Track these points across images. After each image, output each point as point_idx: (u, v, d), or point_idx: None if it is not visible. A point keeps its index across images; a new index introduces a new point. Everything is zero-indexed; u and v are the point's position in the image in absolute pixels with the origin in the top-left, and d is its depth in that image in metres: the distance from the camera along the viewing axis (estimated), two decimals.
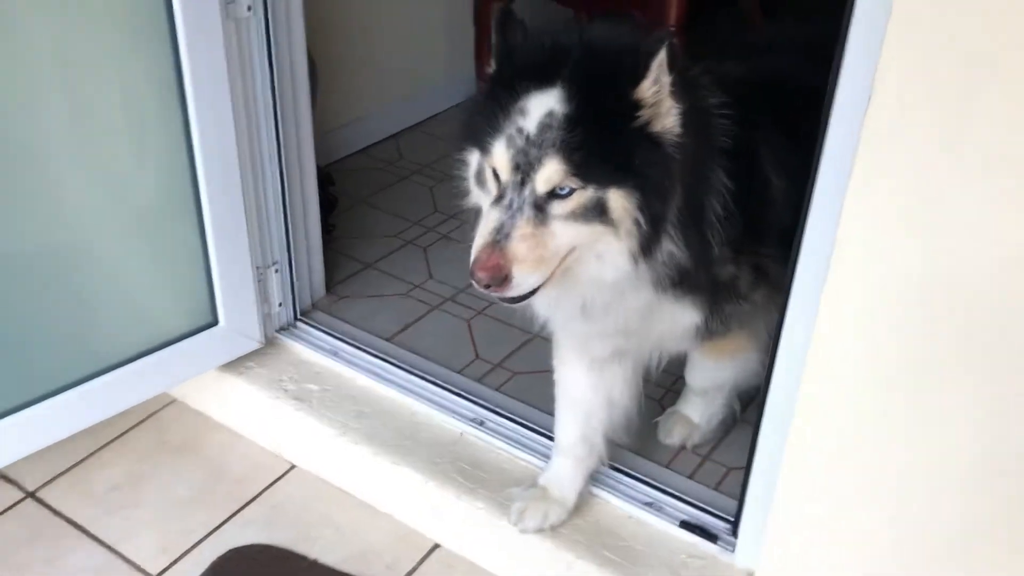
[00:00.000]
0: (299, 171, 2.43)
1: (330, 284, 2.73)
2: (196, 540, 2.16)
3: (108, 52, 1.98)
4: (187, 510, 2.23)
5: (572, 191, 1.48)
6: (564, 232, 1.49)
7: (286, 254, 2.43)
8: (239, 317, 2.32)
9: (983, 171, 1.19)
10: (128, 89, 2.03)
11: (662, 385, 2.41)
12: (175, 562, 2.11)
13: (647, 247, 1.54)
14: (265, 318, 2.41)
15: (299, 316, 2.53)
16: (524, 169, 1.48)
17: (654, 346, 1.94)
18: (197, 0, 1.96)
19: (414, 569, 2.11)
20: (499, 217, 1.49)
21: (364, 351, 2.43)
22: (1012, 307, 1.25)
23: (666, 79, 1.46)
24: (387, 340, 2.54)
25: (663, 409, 2.32)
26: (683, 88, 1.50)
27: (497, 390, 2.39)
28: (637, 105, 1.47)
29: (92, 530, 2.18)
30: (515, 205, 1.49)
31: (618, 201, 1.49)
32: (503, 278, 1.48)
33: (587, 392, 1.98)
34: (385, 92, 3.55)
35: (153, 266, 2.23)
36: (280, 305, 2.45)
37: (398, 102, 3.61)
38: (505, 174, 1.50)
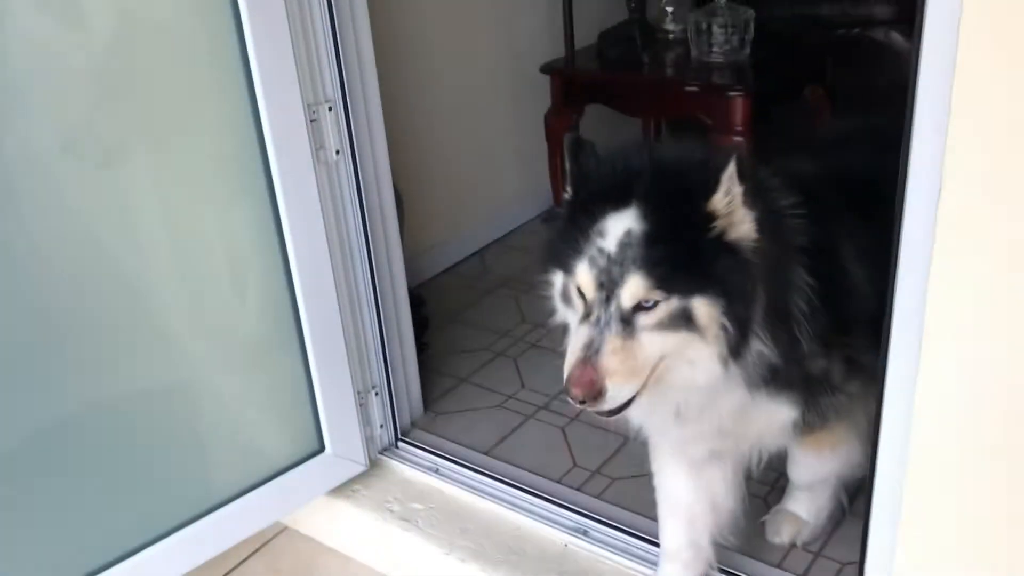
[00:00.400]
0: (392, 296, 2.53)
1: (427, 402, 2.80)
2: None
3: (211, 197, 2.13)
4: None
5: (657, 303, 1.52)
6: (652, 342, 1.53)
7: (384, 377, 2.51)
8: (343, 442, 2.39)
9: None
10: (231, 233, 2.17)
11: (766, 482, 2.38)
12: None
13: (736, 350, 1.57)
14: (368, 441, 2.48)
15: (400, 436, 2.59)
16: (608, 287, 1.53)
17: (752, 444, 1.94)
18: (290, 149, 2.11)
19: None
20: (588, 333, 1.54)
21: (464, 466, 2.47)
22: None
23: (737, 190, 1.51)
24: (485, 453, 2.58)
25: (768, 507, 2.29)
26: (755, 194, 1.56)
27: (597, 497, 2.40)
28: (711, 217, 1.52)
29: None
30: (603, 321, 1.53)
31: (703, 308, 1.53)
32: (597, 392, 1.51)
33: (688, 495, 1.98)
34: (468, 212, 3.68)
35: (260, 398, 2.33)
36: (381, 427, 2.53)
37: (480, 220, 3.73)
38: (590, 292, 1.55)
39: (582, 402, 1.53)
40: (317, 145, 2.18)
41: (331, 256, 2.26)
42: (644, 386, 1.57)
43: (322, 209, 2.21)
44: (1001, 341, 1.30)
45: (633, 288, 1.52)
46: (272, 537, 2.58)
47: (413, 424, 2.69)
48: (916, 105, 1.35)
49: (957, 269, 1.31)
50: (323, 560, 2.51)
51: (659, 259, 1.51)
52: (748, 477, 2.08)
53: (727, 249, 1.54)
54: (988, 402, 1.36)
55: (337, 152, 2.24)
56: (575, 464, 2.55)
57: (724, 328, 1.54)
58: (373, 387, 2.48)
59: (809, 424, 1.86)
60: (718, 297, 1.53)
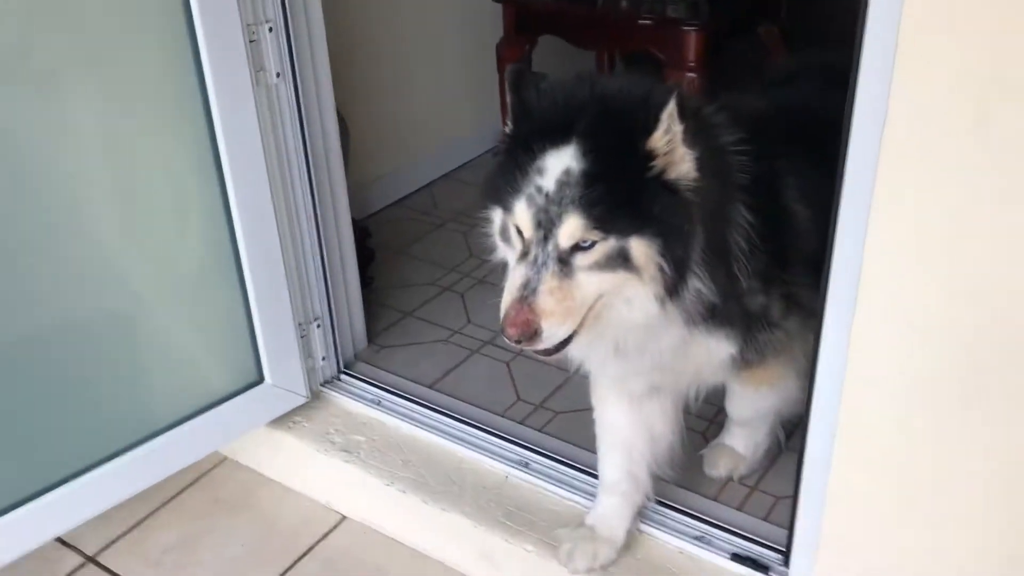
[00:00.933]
0: (335, 227, 2.48)
1: (371, 335, 2.78)
2: None
3: (147, 123, 2.06)
4: (242, 567, 2.27)
5: (594, 243, 1.51)
6: (589, 282, 1.53)
7: (327, 309, 2.48)
8: (284, 373, 2.36)
9: (1004, 190, 1.20)
10: (169, 159, 2.11)
11: (705, 417, 2.41)
12: None
13: (673, 289, 1.56)
14: (309, 372, 2.45)
15: (343, 369, 2.57)
16: (546, 226, 1.52)
17: (691, 379, 1.95)
18: (228, 71, 2.04)
19: None
20: (525, 273, 1.53)
21: (407, 399, 2.46)
22: None
23: (678, 128, 1.49)
24: (429, 387, 2.58)
25: (707, 442, 2.32)
26: (697, 132, 1.53)
27: (540, 431, 2.41)
28: (651, 155, 1.50)
29: None
30: (540, 260, 1.52)
31: (640, 248, 1.52)
32: (533, 333, 1.51)
33: (627, 428, 1.99)
34: (417, 144, 3.62)
35: (199, 328, 2.29)
36: (324, 359, 2.50)
37: (429, 153, 3.68)
38: (528, 232, 1.54)
39: (518, 342, 1.53)
40: (256, 67, 2.10)
41: (271, 184, 2.20)
42: (582, 325, 1.56)
43: (261, 135, 2.14)
44: (937, 276, 1.30)
45: (571, 228, 1.50)
46: (212, 468, 2.56)
47: (356, 357, 2.67)
48: (864, 40, 1.33)
49: (897, 205, 1.31)
50: (263, 491, 2.49)
51: (597, 199, 1.49)
52: (687, 412, 2.10)
53: (666, 188, 1.52)
54: (924, 340, 1.37)
55: (277, 75, 2.16)
56: (519, 398, 2.56)
57: (661, 268, 1.54)
58: (315, 319, 2.45)
59: (748, 360, 1.87)
60: (655, 237, 1.52)
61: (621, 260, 1.52)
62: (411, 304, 2.98)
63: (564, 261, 1.52)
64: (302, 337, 2.39)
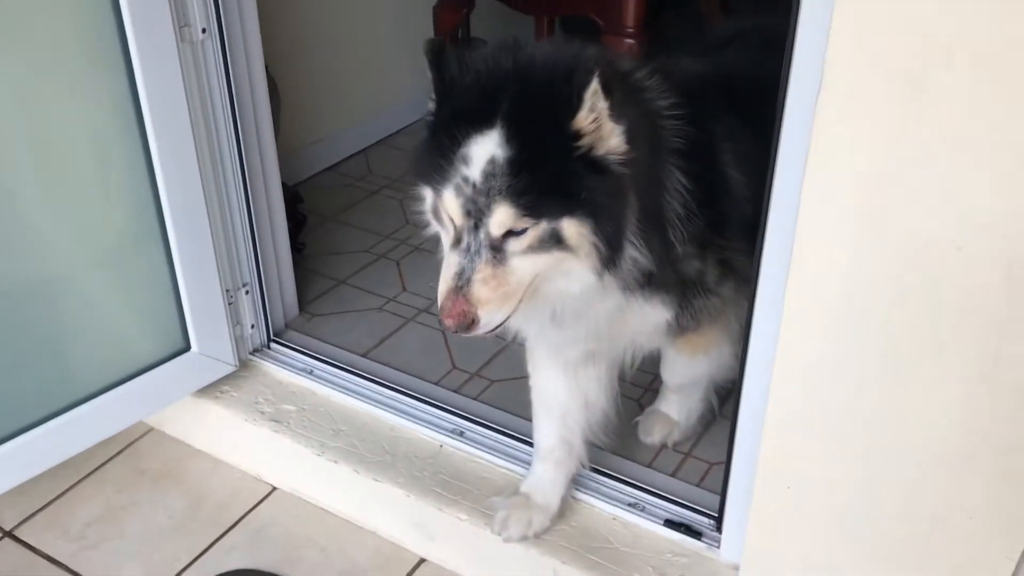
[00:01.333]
0: (265, 191, 2.41)
1: (303, 303, 2.72)
2: (180, 569, 2.14)
3: (63, 84, 1.96)
4: (169, 539, 2.21)
5: (526, 229, 1.49)
6: (523, 266, 1.52)
7: (256, 275, 2.42)
8: (211, 341, 2.30)
9: (936, 151, 1.20)
10: (87, 121, 2.02)
11: (640, 385, 2.41)
12: None
13: (609, 261, 1.55)
14: (238, 341, 2.39)
15: (273, 337, 2.51)
16: (475, 215, 1.49)
17: (627, 345, 1.94)
18: (150, 26, 1.95)
19: None
20: (459, 262, 1.51)
21: (339, 368, 2.41)
22: (974, 285, 1.25)
23: (603, 105, 1.45)
24: (362, 356, 2.53)
25: (642, 409, 2.32)
26: (625, 103, 1.50)
27: (475, 399, 2.39)
28: (577, 136, 1.47)
29: (73, 566, 2.15)
30: (472, 248, 1.51)
31: (572, 229, 1.50)
32: (470, 322, 1.51)
33: (562, 395, 1.98)
34: (351, 109, 3.54)
35: (122, 295, 2.21)
36: (253, 327, 2.44)
37: (364, 118, 3.60)
38: (458, 220, 1.51)
39: (456, 331, 1.52)
40: (181, 22, 2.02)
41: (197, 146, 2.13)
42: (519, 303, 1.55)
43: (186, 94, 2.07)
44: (867, 237, 1.30)
45: (501, 218, 1.48)
46: (137, 438, 2.49)
47: (287, 325, 2.61)
48: (801, 3, 1.32)
49: (831, 171, 1.30)
50: (191, 462, 2.43)
51: (525, 187, 1.47)
52: (622, 379, 2.10)
53: (594, 167, 1.49)
54: (855, 306, 1.37)
55: (203, 31, 2.08)
56: (454, 367, 2.53)
57: (595, 246, 1.52)
58: (243, 285, 2.38)
59: (683, 326, 1.86)
60: (587, 217, 1.50)
61: (554, 241, 1.51)
62: (344, 271, 2.92)
63: (497, 248, 1.50)
64: (230, 304, 2.33)
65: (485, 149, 1.47)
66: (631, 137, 1.51)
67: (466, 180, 1.48)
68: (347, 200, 3.32)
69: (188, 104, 2.08)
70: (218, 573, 2.11)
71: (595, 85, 1.43)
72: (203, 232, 2.20)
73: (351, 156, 3.59)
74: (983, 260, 1.23)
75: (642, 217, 1.57)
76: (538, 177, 1.47)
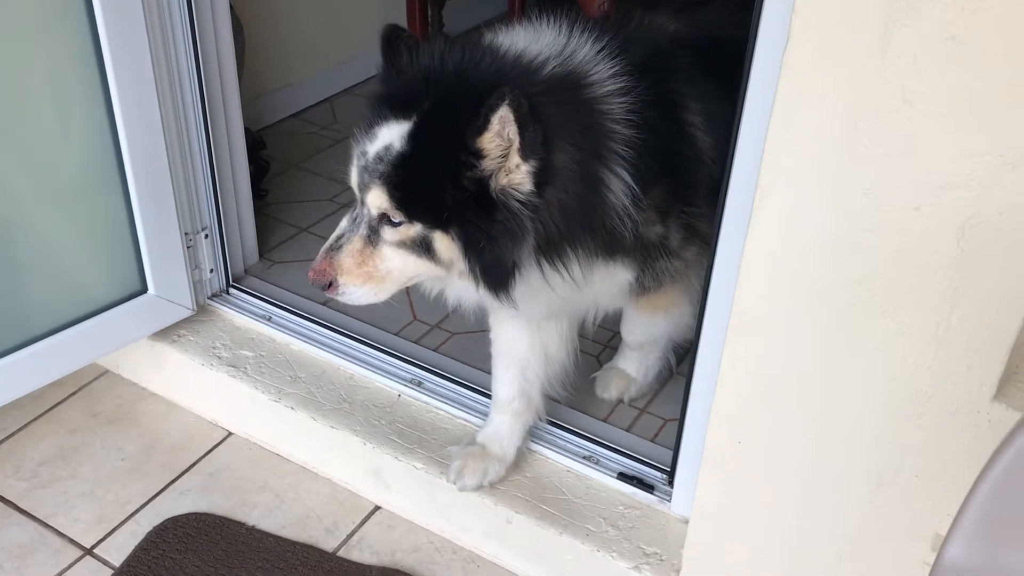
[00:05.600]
0: (227, 135, 2.38)
1: (263, 250, 2.69)
2: (131, 511, 2.13)
3: (21, 19, 1.91)
4: (121, 481, 2.20)
5: (402, 222, 1.54)
6: (395, 258, 1.57)
7: (216, 220, 2.38)
8: (168, 284, 2.27)
9: (900, 108, 1.20)
10: (45, 60, 1.97)
11: (599, 341, 2.42)
12: (110, 534, 2.08)
13: (495, 287, 1.55)
14: (196, 285, 2.37)
15: (232, 282, 2.49)
16: (361, 190, 1.57)
17: (589, 304, 1.94)
18: None
19: (354, 531, 2.11)
20: (344, 226, 1.61)
21: (298, 315, 2.40)
22: (929, 246, 1.27)
23: (514, 136, 1.42)
24: (322, 304, 2.51)
25: (601, 365, 2.34)
26: (564, 124, 1.50)
27: (435, 351, 2.39)
28: (479, 154, 1.45)
29: (23, 505, 2.14)
30: (358, 220, 1.59)
31: (443, 243, 1.53)
32: (327, 284, 1.59)
33: (523, 347, 1.98)
34: (318, 56, 3.49)
35: (80, 236, 2.17)
36: (211, 271, 2.41)
37: (330, 66, 3.55)
38: (355, 188, 1.59)
39: (314, 284, 1.60)
40: None
41: (157, 86, 2.09)
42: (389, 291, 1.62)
43: (148, 33, 2.02)
44: (825, 193, 1.31)
45: (374, 199, 1.54)
46: (92, 380, 2.47)
47: (247, 271, 2.59)
48: None
49: (793, 131, 1.30)
50: (145, 405, 2.42)
51: (404, 182, 1.51)
52: (582, 335, 2.11)
53: (485, 195, 1.48)
54: (809, 269, 1.38)
55: None
56: (415, 318, 2.53)
57: (470, 270, 1.54)
58: (203, 229, 2.35)
59: (645, 286, 1.87)
60: (457, 240, 1.51)
61: (425, 248, 1.54)
62: (306, 220, 2.90)
63: (375, 229, 1.57)
64: (188, 247, 2.30)
65: (389, 135, 1.52)
66: (545, 177, 1.48)
67: (364, 154, 1.55)
68: (311, 148, 3.28)
69: (150, 43, 2.04)
70: (170, 517, 2.11)
71: (504, 112, 1.41)
72: (162, 174, 2.17)
73: (316, 104, 3.55)
74: (939, 221, 1.24)
75: (550, 245, 1.55)
76: (421, 180, 1.51)
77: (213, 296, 2.45)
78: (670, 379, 2.31)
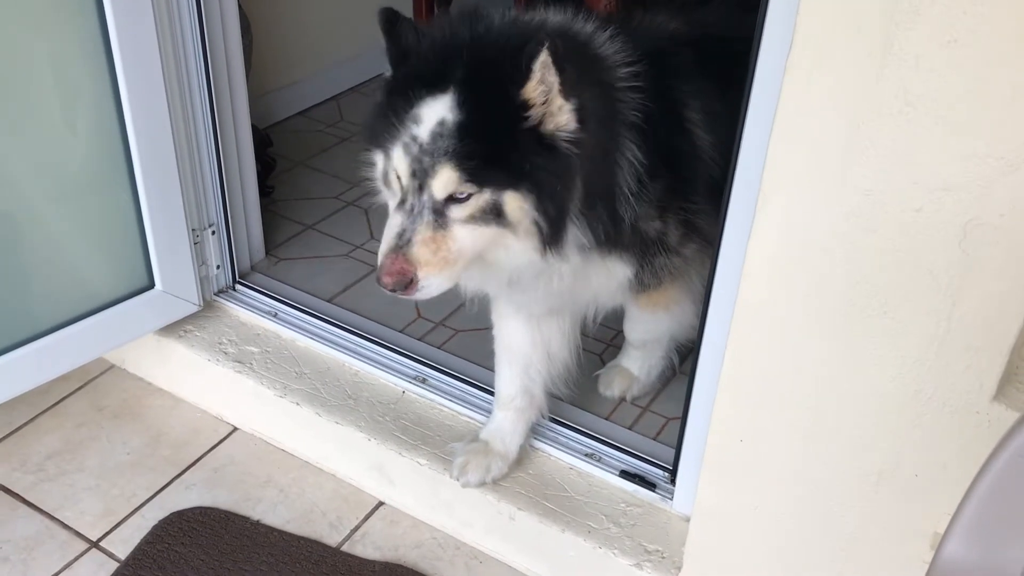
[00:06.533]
0: (234, 132, 2.39)
1: (269, 246, 2.71)
2: (137, 505, 2.15)
3: (31, 14, 1.93)
4: (128, 475, 2.22)
5: (470, 195, 1.50)
6: (464, 235, 1.52)
7: (223, 216, 2.40)
8: (175, 280, 2.29)
9: (902, 110, 1.21)
10: (55, 56, 1.99)
11: (602, 340, 2.44)
12: (115, 527, 2.09)
13: (550, 241, 1.56)
14: (203, 281, 2.38)
15: (238, 279, 2.50)
16: (420, 176, 1.50)
17: (589, 301, 1.96)
18: None
19: (358, 527, 2.12)
20: (401, 222, 1.53)
21: (304, 312, 2.42)
22: (930, 247, 1.28)
23: (554, 79, 1.46)
24: (328, 301, 2.53)
25: (604, 364, 2.35)
26: (584, 76, 1.51)
27: (439, 348, 2.40)
28: (525, 106, 1.48)
29: (29, 498, 2.15)
30: (416, 210, 1.51)
31: (514, 203, 1.52)
32: (408, 282, 1.51)
33: (525, 344, 2.00)
34: (324, 54, 3.50)
35: (87, 231, 2.19)
36: (218, 268, 2.43)
37: (338, 64, 3.56)
38: (405, 179, 1.52)
39: (393, 291, 1.52)
40: None
41: (166, 82, 2.10)
42: (458, 274, 1.57)
43: (157, 29, 2.04)
44: (828, 195, 1.32)
45: (444, 180, 1.49)
46: (98, 375, 2.48)
47: (253, 268, 2.60)
48: None
49: (799, 129, 1.31)
50: (152, 400, 2.43)
51: (471, 152, 1.48)
52: (585, 334, 2.12)
53: (542, 142, 1.50)
54: (812, 268, 1.39)
55: None
56: (419, 315, 2.54)
57: (536, 223, 1.53)
58: (210, 225, 2.37)
59: (644, 283, 1.88)
60: (529, 193, 1.51)
61: (495, 215, 1.52)
62: (313, 217, 2.91)
63: (439, 212, 1.51)
64: (195, 243, 2.32)
65: (436, 111, 1.49)
66: (583, 116, 1.51)
67: (414, 139, 1.49)
68: (317, 146, 3.30)
69: (158, 40, 2.05)
70: (175, 511, 2.12)
71: (544, 57, 1.43)
72: (170, 170, 2.18)
73: (323, 102, 3.56)
74: (940, 223, 1.25)
75: (587, 197, 1.58)
76: (485, 145, 1.49)
77: (219, 292, 2.47)
78: (673, 378, 2.32)
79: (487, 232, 1.53)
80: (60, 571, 2.00)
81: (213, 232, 2.38)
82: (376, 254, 2.69)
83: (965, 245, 1.25)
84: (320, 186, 3.06)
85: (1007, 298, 1.27)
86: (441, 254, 1.51)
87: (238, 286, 2.50)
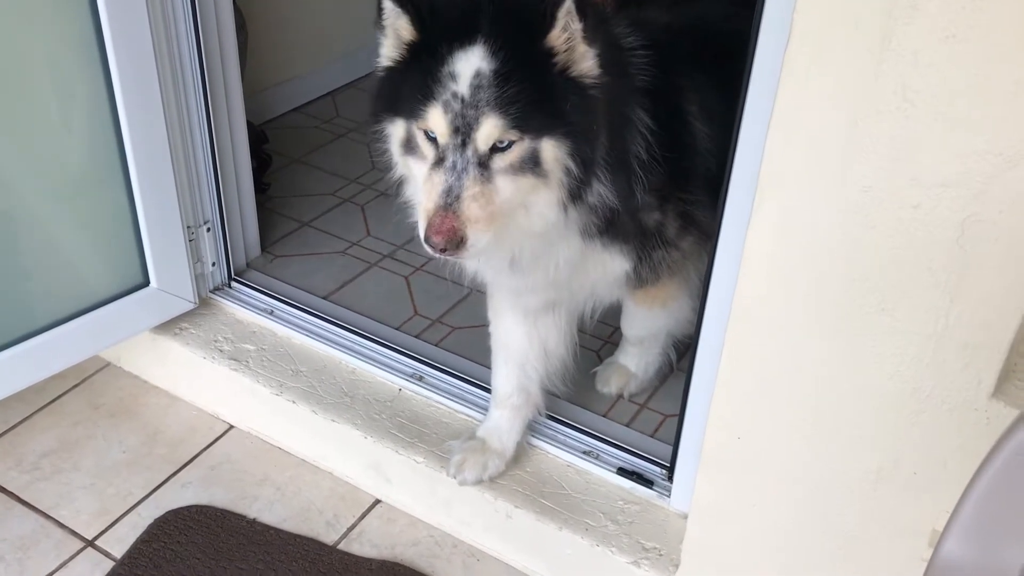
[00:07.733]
0: (229, 127, 2.38)
1: (265, 243, 2.70)
2: (133, 503, 2.14)
3: (25, 16, 1.92)
4: (123, 473, 2.21)
5: (512, 144, 1.49)
6: (508, 186, 1.51)
7: (218, 213, 2.39)
8: (170, 277, 2.28)
9: (900, 106, 1.20)
10: (49, 53, 1.98)
11: (600, 337, 2.43)
12: (111, 526, 2.09)
13: (577, 193, 1.56)
14: (198, 278, 2.37)
15: (234, 276, 2.49)
16: (464, 131, 1.49)
17: (587, 296, 1.95)
18: None
19: (355, 525, 2.12)
20: (446, 180, 1.49)
21: (300, 309, 2.41)
22: (928, 243, 1.27)
23: (577, 26, 1.47)
24: (324, 298, 2.53)
25: (601, 361, 2.34)
26: (597, 30, 1.52)
27: (436, 345, 2.40)
28: (552, 52, 1.49)
29: (25, 497, 2.14)
30: (459, 166, 1.49)
31: (550, 150, 1.51)
32: (460, 240, 1.48)
33: (522, 341, 1.99)
34: (320, 50, 3.49)
35: (82, 228, 2.18)
36: (213, 265, 2.42)
37: (333, 60, 3.55)
38: (444, 138, 1.50)
39: (443, 250, 1.49)
40: None
41: (160, 78, 2.09)
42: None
43: (151, 25, 2.03)
44: (827, 191, 1.32)
45: (490, 130, 1.48)
46: (94, 372, 2.48)
47: (249, 265, 2.59)
48: None
49: (796, 124, 1.31)
50: (147, 398, 2.42)
51: (512, 98, 1.48)
52: (582, 331, 2.12)
53: (572, 86, 1.51)
54: (809, 266, 1.39)
55: None
56: (416, 313, 2.53)
57: (568, 171, 1.53)
58: (205, 222, 2.36)
59: (642, 278, 1.88)
60: (565, 138, 1.51)
61: (532, 164, 1.51)
62: (309, 214, 2.90)
63: (484, 166, 1.50)
64: (190, 241, 2.30)
65: (471, 64, 1.48)
66: (602, 63, 1.53)
67: (455, 95, 1.48)
68: (313, 142, 3.28)
69: (152, 37, 2.04)
70: (171, 509, 2.12)
71: (569, 5, 1.45)
72: (165, 167, 2.17)
73: (319, 98, 3.55)
74: (939, 219, 1.24)
75: (610, 150, 1.59)
76: (524, 89, 1.48)
77: (215, 290, 2.46)
78: (670, 375, 2.31)
79: (524, 184, 1.53)
80: (56, 570, 1.99)
81: (208, 229, 2.37)
82: (374, 251, 2.74)
83: (963, 242, 1.24)
84: (316, 183, 3.05)
85: (1006, 295, 1.26)
86: (489, 208, 1.50)
87: (234, 283, 2.49)
